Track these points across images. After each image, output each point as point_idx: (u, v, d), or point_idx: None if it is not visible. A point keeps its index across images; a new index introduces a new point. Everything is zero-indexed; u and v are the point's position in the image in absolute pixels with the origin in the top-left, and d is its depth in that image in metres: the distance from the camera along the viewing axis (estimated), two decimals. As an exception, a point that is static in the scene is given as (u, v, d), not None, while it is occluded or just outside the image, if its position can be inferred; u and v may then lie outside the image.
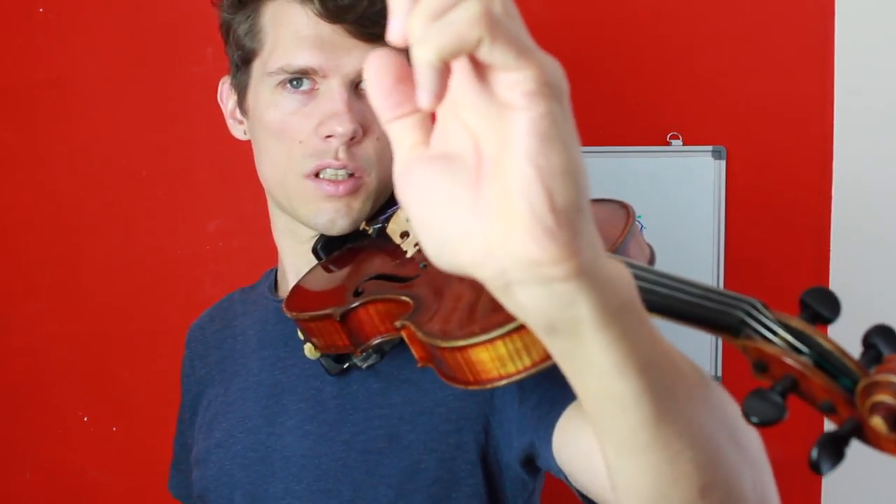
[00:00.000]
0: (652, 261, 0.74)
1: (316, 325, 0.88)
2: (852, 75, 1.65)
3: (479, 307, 0.70)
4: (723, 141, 1.65)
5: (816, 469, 0.50)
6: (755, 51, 1.66)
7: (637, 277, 0.55)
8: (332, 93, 0.94)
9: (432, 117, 0.45)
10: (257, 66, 0.99)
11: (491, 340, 0.63)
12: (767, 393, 0.52)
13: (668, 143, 1.65)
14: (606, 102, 1.66)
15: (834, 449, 0.51)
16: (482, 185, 0.43)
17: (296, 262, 1.05)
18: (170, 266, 1.66)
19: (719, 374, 1.65)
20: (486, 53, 0.40)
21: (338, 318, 0.84)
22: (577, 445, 0.77)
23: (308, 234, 1.02)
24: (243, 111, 1.03)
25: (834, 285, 1.68)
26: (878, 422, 0.50)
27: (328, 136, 0.94)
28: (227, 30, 1.02)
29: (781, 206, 1.68)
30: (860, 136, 1.66)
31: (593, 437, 0.69)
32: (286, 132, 0.96)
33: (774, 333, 0.54)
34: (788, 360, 0.53)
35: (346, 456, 0.93)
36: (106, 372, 1.66)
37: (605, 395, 0.50)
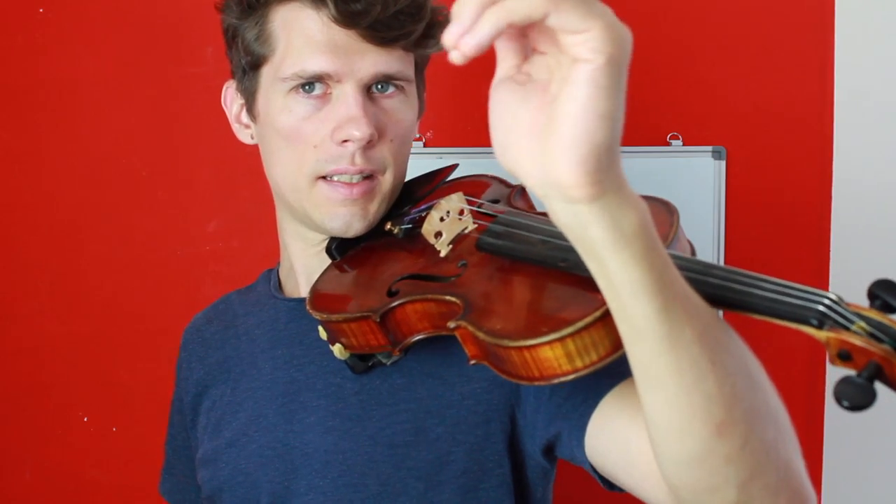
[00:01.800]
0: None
1: (349, 326, 0.88)
2: (852, 75, 1.65)
3: (541, 306, 0.73)
4: (723, 141, 1.66)
5: None
6: (755, 51, 1.66)
7: (707, 274, 0.63)
8: (347, 97, 0.94)
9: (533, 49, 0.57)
10: (267, 71, 0.98)
11: (561, 339, 0.66)
12: (856, 379, 0.55)
13: (668, 143, 1.65)
14: (606, 102, 1.66)
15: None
16: (543, 111, 0.54)
17: (308, 264, 1.05)
18: (170, 266, 1.66)
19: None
20: (551, 22, 0.50)
21: (377, 319, 0.85)
22: (613, 434, 0.79)
23: (319, 237, 1.02)
24: (252, 116, 1.03)
25: (834, 285, 1.68)
26: None
27: (345, 141, 0.94)
28: (232, 35, 1.01)
29: (781, 206, 1.68)
30: (860, 136, 1.66)
31: (631, 425, 0.75)
32: (300, 137, 0.96)
33: (852, 323, 0.59)
34: (872, 348, 0.57)
35: (372, 450, 0.94)
36: (106, 372, 1.66)
37: (626, 317, 0.59)
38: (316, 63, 0.94)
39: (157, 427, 1.66)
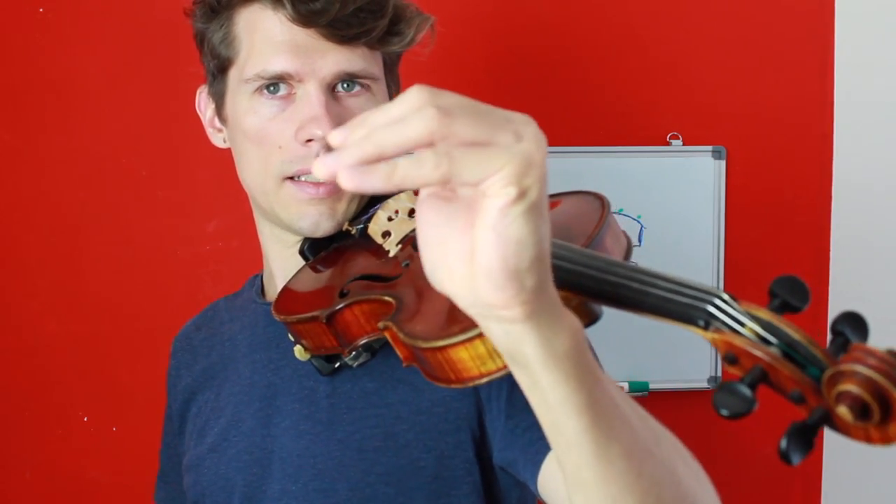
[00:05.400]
0: (629, 250, 0.74)
1: (304, 328, 0.88)
2: (852, 75, 1.65)
3: (457, 307, 0.70)
4: (723, 141, 1.65)
5: (786, 459, 0.51)
6: (755, 51, 1.66)
7: (606, 272, 0.60)
8: (310, 97, 0.94)
9: None
10: (233, 74, 0.99)
11: (470, 340, 0.63)
12: (736, 385, 0.52)
13: (668, 143, 1.65)
14: (606, 102, 1.66)
15: (803, 438, 0.52)
16: (467, 233, 0.51)
17: (284, 266, 1.05)
18: (170, 266, 1.66)
19: (719, 373, 1.65)
20: (455, 183, 0.47)
21: (324, 320, 0.84)
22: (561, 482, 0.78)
23: (294, 238, 1.02)
24: (222, 119, 1.04)
25: (834, 285, 1.68)
26: (843, 411, 0.51)
27: (308, 141, 0.94)
28: (201, 39, 1.03)
29: (781, 206, 1.68)
30: (860, 136, 1.66)
31: None
32: (265, 138, 0.96)
33: (742, 325, 0.55)
34: (756, 352, 0.53)
35: (341, 455, 0.93)
36: (106, 372, 1.66)
37: (555, 429, 0.58)
38: (277, 63, 0.94)
39: (158, 427, 1.65)
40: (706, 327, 0.56)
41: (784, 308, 0.56)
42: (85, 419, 1.67)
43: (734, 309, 0.55)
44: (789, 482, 1.69)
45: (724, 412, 0.52)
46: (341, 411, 0.95)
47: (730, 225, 1.66)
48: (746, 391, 0.52)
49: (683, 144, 1.65)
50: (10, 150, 1.65)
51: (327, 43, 0.94)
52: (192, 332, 1.19)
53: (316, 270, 0.98)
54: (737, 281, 1.67)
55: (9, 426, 1.67)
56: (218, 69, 1.01)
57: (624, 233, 0.75)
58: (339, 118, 0.94)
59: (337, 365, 0.95)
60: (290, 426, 0.98)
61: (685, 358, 1.66)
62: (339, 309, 0.83)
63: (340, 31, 0.93)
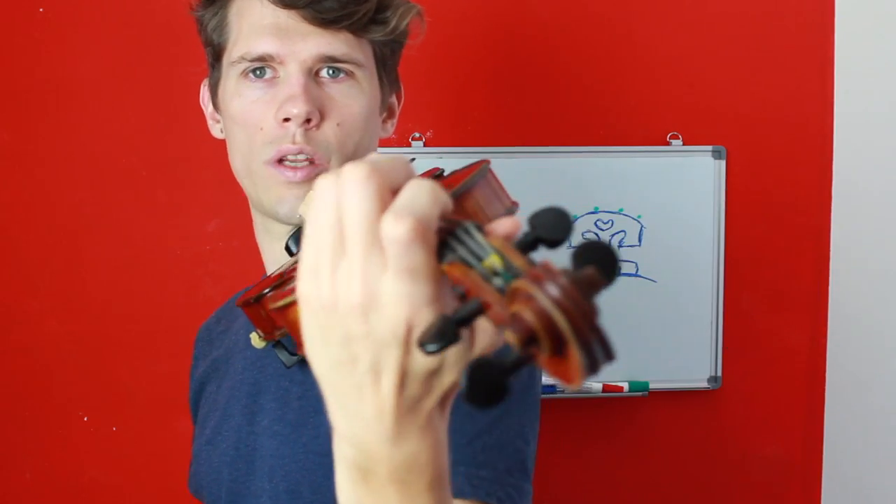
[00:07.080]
0: (510, 213, 0.65)
1: (248, 311, 0.87)
2: (852, 75, 1.65)
3: None
4: (723, 141, 1.66)
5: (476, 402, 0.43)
6: (755, 51, 1.66)
7: None
8: (290, 77, 0.96)
9: None
10: (225, 60, 1.01)
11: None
12: (445, 321, 0.46)
13: (668, 143, 1.65)
14: (606, 102, 1.66)
15: (495, 378, 0.43)
16: None
17: (273, 259, 1.06)
18: (170, 266, 1.66)
19: (719, 373, 1.65)
20: None
21: (253, 301, 0.82)
22: None
23: (281, 229, 1.02)
24: (216, 107, 1.06)
25: (834, 285, 1.68)
26: (510, 336, 0.43)
27: (285, 120, 0.95)
28: (200, 27, 1.05)
29: (781, 206, 1.68)
30: (860, 136, 1.66)
31: None
32: (248, 120, 0.98)
33: (483, 261, 0.47)
34: (479, 283, 0.46)
35: (305, 458, 0.94)
36: (106, 372, 1.66)
37: None
38: (260, 45, 0.96)
39: (157, 427, 1.66)
40: (441, 259, 0.49)
41: (540, 243, 0.48)
42: (85, 419, 1.67)
43: (475, 240, 0.48)
44: (789, 482, 1.69)
45: (431, 347, 0.45)
46: (308, 414, 0.95)
47: (730, 225, 1.66)
48: (450, 325, 0.45)
49: (683, 144, 1.65)
50: (10, 150, 1.65)
51: (309, 26, 0.96)
52: (213, 323, 1.20)
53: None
54: (737, 281, 1.67)
55: (9, 426, 1.67)
56: (213, 57, 1.04)
57: (514, 201, 0.66)
58: (318, 101, 0.96)
59: (300, 358, 0.94)
60: (267, 426, 0.98)
61: (685, 358, 1.66)
62: (266, 292, 0.81)
63: (321, 13, 0.95)
